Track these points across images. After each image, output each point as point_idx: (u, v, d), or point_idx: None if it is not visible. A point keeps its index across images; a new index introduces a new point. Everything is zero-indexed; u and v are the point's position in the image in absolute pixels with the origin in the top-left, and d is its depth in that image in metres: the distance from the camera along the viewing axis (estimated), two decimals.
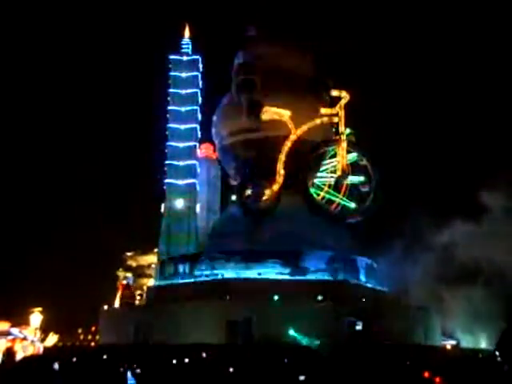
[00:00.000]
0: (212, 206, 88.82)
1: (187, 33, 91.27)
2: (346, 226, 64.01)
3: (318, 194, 61.10)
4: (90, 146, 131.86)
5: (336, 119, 61.17)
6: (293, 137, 62.82)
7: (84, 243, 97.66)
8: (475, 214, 58.55)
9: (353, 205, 60.82)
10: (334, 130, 65.40)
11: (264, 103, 62.78)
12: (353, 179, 60.26)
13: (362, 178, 59.99)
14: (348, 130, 62.58)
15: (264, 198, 60.97)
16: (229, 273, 59.38)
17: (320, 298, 53.18)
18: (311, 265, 59.55)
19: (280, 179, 61.82)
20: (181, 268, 63.25)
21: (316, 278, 58.75)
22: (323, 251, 61.02)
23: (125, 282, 72.56)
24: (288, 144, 62.51)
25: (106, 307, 66.87)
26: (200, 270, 61.38)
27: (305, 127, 63.32)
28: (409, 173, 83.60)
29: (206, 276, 60.13)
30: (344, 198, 62.09)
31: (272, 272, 58.88)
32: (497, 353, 48.83)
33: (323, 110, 63.16)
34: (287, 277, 58.78)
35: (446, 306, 58.00)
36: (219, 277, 59.30)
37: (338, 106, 61.12)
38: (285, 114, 63.19)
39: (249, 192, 61.23)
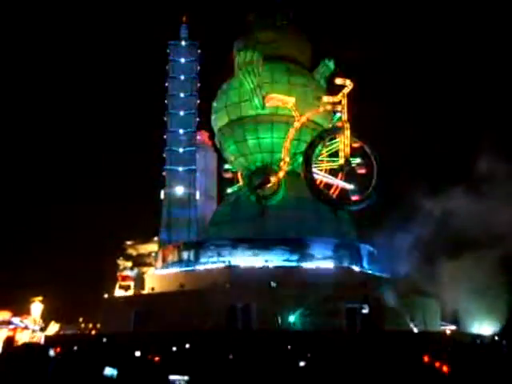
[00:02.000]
0: (209, 193, 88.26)
1: (185, 19, 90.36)
2: (348, 213, 64.27)
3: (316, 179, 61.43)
4: (89, 133, 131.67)
5: (339, 107, 61.19)
6: (297, 124, 63.12)
7: (84, 232, 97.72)
8: (474, 189, 58.13)
9: (351, 186, 61.78)
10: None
11: (267, 90, 62.60)
12: (351, 161, 61.37)
13: (358, 160, 61.30)
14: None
15: (270, 184, 61.08)
16: (235, 260, 59.24)
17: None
18: (318, 252, 60.01)
19: (285, 166, 62.24)
20: (185, 255, 62.90)
21: (322, 265, 58.87)
22: (329, 238, 61.67)
23: (124, 273, 72.30)
24: (292, 131, 62.84)
25: (106, 296, 66.90)
26: (206, 256, 61.15)
27: (308, 114, 63.73)
28: (404, 156, 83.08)
29: (213, 263, 59.86)
30: (342, 181, 63.53)
31: (279, 259, 59.18)
32: (496, 338, 48.99)
33: (325, 98, 63.65)
34: (291, 264, 58.92)
35: (449, 289, 57.47)
36: (226, 264, 59.27)
37: (341, 94, 61.24)
38: (289, 100, 63.61)
39: (256, 179, 60.52)
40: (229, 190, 73.66)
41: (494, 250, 57.25)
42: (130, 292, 72.48)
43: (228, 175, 73.70)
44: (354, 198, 61.35)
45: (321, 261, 58.83)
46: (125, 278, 69.94)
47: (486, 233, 56.17)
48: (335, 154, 64.19)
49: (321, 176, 64.34)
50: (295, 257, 58.95)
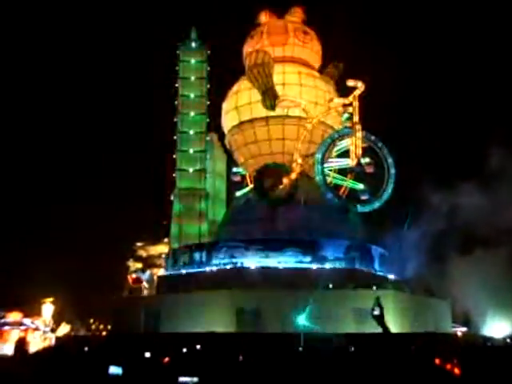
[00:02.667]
0: (218, 195, 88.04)
1: (194, 33, 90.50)
2: (357, 214, 64.16)
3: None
4: (100, 134, 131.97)
5: (350, 109, 61.16)
6: (309, 126, 63.03)
7: (95, 234, 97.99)
8: (485, 185, 57.67)
9: (361, 186, 62.64)
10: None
11: (280, 92, 62.58)
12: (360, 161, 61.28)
13: (367, 159, 61.52)
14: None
15: (282, 186, 61.00)
16: (248, 261, 59.24)
17: (330, 286, 52.93)
18: (330, 254, 59.99)
19: (297, 168, 62.17)
20: (197, 256, 62.95)
21: (334, 267, 58.90)
22: (341, 240, 61.71)
23: (134, 275, 72.34)
24: (304, 133, 62.77)
25: (116, 297, 66.96)
26: (218, 258, 61.19)
27: (320, 116, 63.73)
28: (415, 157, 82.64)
29: (224, 264, 60.07)
30: (351, 181, 64.36)
31: (292, 261, 59.21)
32: (508, 340, 48.47)
33: (336, 100, 63.71)
34: (300, 265, 58.95)
35: (460, 287, 56.84)
36: (238, 265, 59.44)
37: (352, 96, 61.18)
38: (301, 102, 63.49)
39: (267, 181, 60.96)
40: (238, 194, 73.70)
41: (505, 247, 56.64)
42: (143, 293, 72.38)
43: (237, 178, 73.85)
44: (364, 197, 61.34)
45: (333, 262, 58.49)
46: (135, 281, 69.86)
47: (497, 229, 55.68)
48: (344, 154, 64.28)
49: (331, 177, 64.40)
50: (308, 258, 58.97)
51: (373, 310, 44.36)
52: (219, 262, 60.79)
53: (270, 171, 63.00)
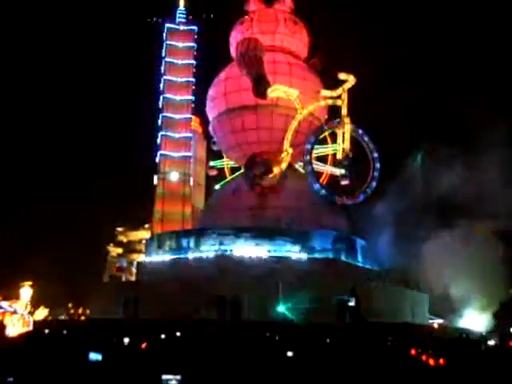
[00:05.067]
0: (197, 180, 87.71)
1: (182, 2, 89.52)
2: (342, 206, 64.96)
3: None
4: (81, 116, 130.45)
5: (339, 102, 61.65)
6: (299, 116, 63.36)
7: (74, 217, 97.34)
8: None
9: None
10: None
11: (270, 81, 62.88)
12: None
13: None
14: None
15: (272, 175, 61.44)
16: (238, 248, 59.95)
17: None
18: (318, 244, 61.07)
19: (287, 157, 62.57)
20: (185, 242, 62.84)
21: (320, 257, 59.76)
22: (329, 231, 62.82)
23: (118, 264, 72.32)
24: (294, 123, 63.15)
25: (96, 282, 66.94)
26: (206, 244, 61.46)
27: (310, 107, 64.27)
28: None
29: (215, 251, 60.39)
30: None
31: (281, 250, 60.11)
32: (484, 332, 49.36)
33: (324, 92, 64.26)
34: (293, 254, 59.59)
35: (436, 270, 57.29)
36: (228, 252, 60.06)
37: (341, 88, 61.54)
38: (293, 93, 63.89)
39: (258, 169, 61.38)
40: (217, 187, 74.12)
41: (484, 224, 56.96)
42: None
43: (213, 173, 74.71)
44: (344, 182, 63.09)
45: (320, 253, 59.15)
46: (118, 269, 69.87)
47: (477, 207, 56.23)
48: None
49: (319, 166, 65.30)
50: (297, 248, 59.54)
51: (348, 300, 45.02)
52: (208, 249, 61.04)
53: (260, 160, 63.29)
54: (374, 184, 61.34)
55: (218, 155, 75.87)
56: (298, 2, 72.81)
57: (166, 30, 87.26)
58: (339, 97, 62.56)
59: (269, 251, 59.36)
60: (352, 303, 44.66)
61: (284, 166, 63.08)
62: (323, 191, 61.89)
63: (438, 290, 58.97)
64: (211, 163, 75.29)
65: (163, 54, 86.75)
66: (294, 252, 59.51)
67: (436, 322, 60.52)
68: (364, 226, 63.84)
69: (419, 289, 61.07)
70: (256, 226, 61.66)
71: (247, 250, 59.34)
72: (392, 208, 58.22)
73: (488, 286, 57.34)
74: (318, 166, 67.65)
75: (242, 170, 71.85)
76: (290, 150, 63.34)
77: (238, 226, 61.72)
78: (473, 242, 57.27)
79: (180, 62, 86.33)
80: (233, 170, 76.34)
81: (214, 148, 74.94)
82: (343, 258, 60.99)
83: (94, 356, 29.78)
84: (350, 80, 61.26)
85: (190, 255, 61.53)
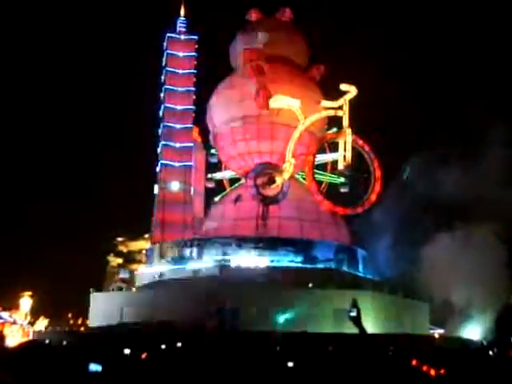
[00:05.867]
0: (197, 189, 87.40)
1: (183, 11, 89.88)
2: (343, 217, 65.11)
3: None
4: (80, 127, 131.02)
5: (340, 113, 62.01)
6: (301, 127, 63.48)
7: (74, 228, 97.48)
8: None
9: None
10: None
11: (272, 91, 63.37)
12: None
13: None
14: (334, 129, 66.33)
15: (275, 185, 61.46)
16: (241, 259, 60.28)
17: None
18: (320, 254, 61.36)
19: (290, 168, 62.69)
20: (187, 252, 62.92)
21: (320, 267, 60.29)
22: (331, 241, 63.51)
23: (121, 275, 72.24)
24: (297, 134, 63.32)
25: (96, 292, 66.65)
26: (209, 254, 61.73)
27: (312, 118, 64.68)
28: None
29: (217, 261, 60.48)
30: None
31: (284, 260, 60.43)
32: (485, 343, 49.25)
33: (325, 103, 64.65)
34: (296, 265, 59.99)
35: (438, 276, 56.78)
36: (230, 262, 60.14)
37: (343, 99, 61.81)
38: (295, 103, 63.97)
39: (261, 179, 62.33)
40: (216, 199, 74.41)
41: (484, 226, 56.55)
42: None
43: (211, 185, 74.90)
44: (344, 190, 63.77)
45: (323, 263, 59.20)
46: (122, 281, 69.76)
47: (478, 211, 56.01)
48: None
49: (318, 175, 65.83)
50: (300, 258, 59.64)
51: (350, 311, 45.04)
52: (210, 258, 60.95)
53: (263, 170, 63.47)
54: (374, 195, 61.40)
55: (215, 167, 76.26)
56: (297, 12, 73.59)
57: (166, 39, 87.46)
58: (340, 107, 62.76)
59: (271, 261, 59.63)
60: (353, 313, 44.61)
61: (287, 176, 63.32)
62: (326, 202, 61.83)
63: (438, 296, 58.35)
64: (209, 175, 75.61)
65: (164, 63, 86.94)
66: (296, 262, 59.50)
67: (436, 332, 60.38)
68: (363, 235, 63.95)
69: (420, 298, 60.98)
70: (259, 236, 61.82)
71: (250, 259, 59.51)
72: (390, 216, 58.27)
73: (490, 290, 56.77)
74: (317, 175, 67.76)
75: (242, 181, 72.04)
76: (293, 161, 63.57)
77: (241, 236, 62.00)
78: (473, 245, 56.83)
79: (181, 71, 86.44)
80: (231, 181, 76.65)
81: (212, 160, 75.31)
82: (345, 268, 61.11)
83: (94, 367, 29.81)
84: (352, 91, 61.54)
85: (192, 265, 61.49)
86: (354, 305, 44.68)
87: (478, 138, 61.42)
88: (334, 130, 68.77)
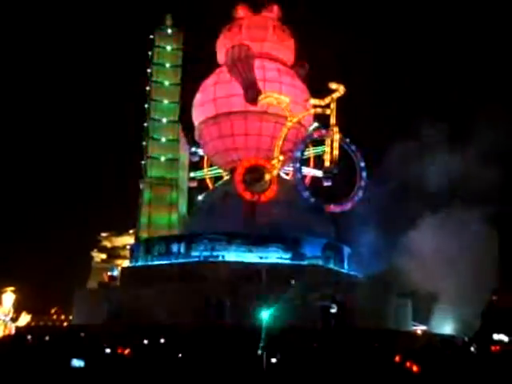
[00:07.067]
0: (181, 185, 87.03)
1: (169, 21, 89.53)
2: (329, 213, 65.42)
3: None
4: (65, 120, 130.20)
5: (328, 111, 62.33)
6: (289, 124, 63.79)
7: (58, 223, 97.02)
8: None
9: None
10: None
11: (261, 87, 64.25)
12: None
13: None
14: (315, 124, 66.83)
15: (263, 182, 61.48)
16: (230, 255, 60.46)
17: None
18: (309, 251, 61.74)
19: (278, 164, 62.88)
20: (175, 247, 62.76)
21: (308, 263, 60.07)
22: (319, 238, 63.77)
23: (110, 273, 71.86)
24: (285, 130, 63.60)
25: (80, 288, 66.44)
26: (198, 250, 61.65)
27: (300, 115, 64.83)
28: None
29: (205, 257, 60.77)
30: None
31: (273, 256, 60.82)
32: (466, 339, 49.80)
33: (312, 101, 64.95)
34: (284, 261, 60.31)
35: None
36: (220, 258, 60.45)
37: (330, 97, 62.13)
38: (284, 100, 64.33)
39: (249, 176, 62.91)
40: (199, 197, 74.38)
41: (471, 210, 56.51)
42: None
43: (193, 184, 74.97)
44: (327, 183, 63.65)
45: (311, 260, 59.56)
46: (111, 278, 69.38)
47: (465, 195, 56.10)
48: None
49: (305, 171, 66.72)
50: (288, 255, 60.20)
51: (330, 307, 45.39)
52: (200, 254, 60.99)
53: (252, 166, 63.59)
54: (361, 193, 61.90)
55: (197, 166, 76.46)
56: (284, 9, 73.63)
57: (154, 33, 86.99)
58: (328, 105, 63.13)
59: (260, 258, 60.04)
60: (334, 310, 45.02)
61: (275, 172, 63.69)
62: (312, 199, 62.19)
63: (422, 288, 57.87)
64: (191, 174, 75.63)
65: (151, 57, 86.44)
66: (284, 259, 60.06)
67: (419, 329, 60.92)
68: (347, 231, 64.37)
69: (403, 295, 61.45)
70: (249, 232, 62.11)
71: (239, 256, 59.81)
72: (372, 208, 58.67)
73: (475, 282, 56.39)
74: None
75: (225, 178, 72.09)
76: (281, 158, 63.94)
77: (231, 232, 62.17)
78: (457, 232, 56.52)
79: (168, 64, 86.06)
80: (216, 179, 76.75)
81: (194, 159, 75.49)
82: (332, 265, 61.62)
83: (77, 362, 29.76)
84: (340, 90, 61.93)
85: (180, 260, 61.42)
86: (334, 301, 45.08)
87: (463, 124, 62.04)
88: (315, 125, 70.03)
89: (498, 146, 57.94)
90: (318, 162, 67.17)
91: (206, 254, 60.85)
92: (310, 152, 71.69)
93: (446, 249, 55.29)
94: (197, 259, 60.66)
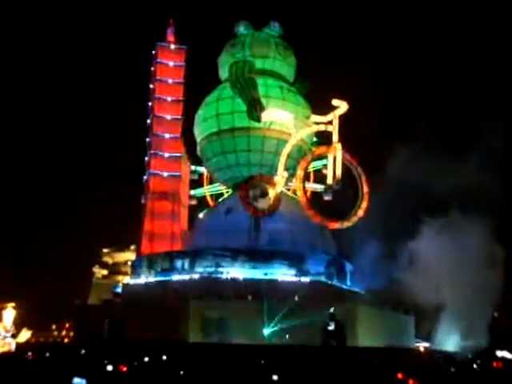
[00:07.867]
0: (182, 202, 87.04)
1: (171, 22, 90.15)
2: (331, 230, 65.63)
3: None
4: (68, 134, 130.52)
5: (330, 128, 62.70)
6: (293, 140, 64.01)
7: (59, 239, 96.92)
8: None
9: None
10: None
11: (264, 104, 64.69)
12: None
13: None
14: (314, 139, 68.31)
15: (267, 198, 61.91)
16: (235, 271, 60.69)
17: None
18: (313, 267, 62.29)
19: (282, 180, 63.13)
20: (179, 263, 62.54)
21: (312, 280, 60.48)
22: (323, 255, 64.62)
23: (115, 290, 71.81)
24: (288, 147, 63.81)
25: (79, 304, 66.25)
26: (202, 266, 61.81)
27: (303, 132, 65.30)
28: None
29: (209, 273, 60.95)
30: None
31: (278, 272, 61.23)
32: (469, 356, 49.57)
33: (315, 117, 65.35)
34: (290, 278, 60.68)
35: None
36: (224, 274, 60.59)
37: (332, 114, 62.40)
38: (288, 117, 64.53)
39: (253, 192, 63.10)
40: (200, 215, 74.61)
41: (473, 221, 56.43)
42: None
43: (193, 202, 75.38)
44: (327, 197, 64.33)
45: (315, 276, 59.58)
46: (116, 295, 69.28)
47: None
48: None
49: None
50: (292, 271, 59.95)
51: (327, 324, 45.30)
52: (204, 270, 60.86)
53: (256, 182, 63.80)
54: (361, 212, 61.86)
55: (197, 184, 76.86)
56: (285, 26, 74.35)
57: (156, 48, 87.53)
58: (330, 122, 63.47)
59: (265, 274, 60.32)
60: (331, 327, 44.90)
61: (279, 189, 63.79)
62: (317, 216, 62.14)
63: (425, 301, 57.65)
64: (191, 192, 75.97)
65: (153, 72, 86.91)
66: (289, 275, 60.19)
67: (422, 346, 60.69)
68: (349, 245, 64.45)
69: (406, 311, 61.33)
70: (253, 248, 62.45)
71: (244, 272, 60.25)
72: (374, 223, 58.86)
73: (477, 295, 56.13)
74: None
75: (226, 195, 72.49)
76: (285, 174, 64.15)
77: (236, 248, 62.39)
78: (460, 244, 56.45)
79: (170, 80, 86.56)
80: (216, 196, 77.12)
81: (194, 177, 75.94)
82: (335, 281, 61.59)
83: (78, 381, 29.52)
84: (343, 106, 62.21)
85: (182, 276, 61.47)
86: (332, 318, 44.93)
87: (464, 131, 62.25)
88: (314, 139, 71.03)
89: (501, 152, 58.55)
90: (318, 175, 68.72)
91: (210, 270, 61.14)
92: (310, 166, 72.03)
93: (448, 261, 55.30)
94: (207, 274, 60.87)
